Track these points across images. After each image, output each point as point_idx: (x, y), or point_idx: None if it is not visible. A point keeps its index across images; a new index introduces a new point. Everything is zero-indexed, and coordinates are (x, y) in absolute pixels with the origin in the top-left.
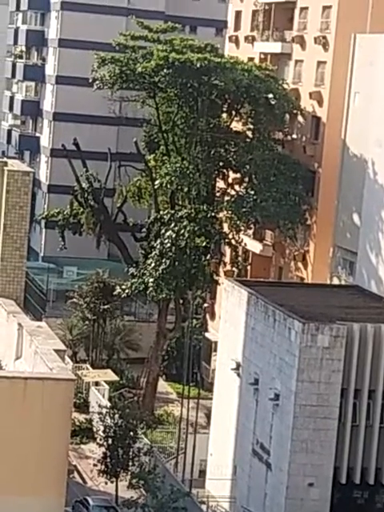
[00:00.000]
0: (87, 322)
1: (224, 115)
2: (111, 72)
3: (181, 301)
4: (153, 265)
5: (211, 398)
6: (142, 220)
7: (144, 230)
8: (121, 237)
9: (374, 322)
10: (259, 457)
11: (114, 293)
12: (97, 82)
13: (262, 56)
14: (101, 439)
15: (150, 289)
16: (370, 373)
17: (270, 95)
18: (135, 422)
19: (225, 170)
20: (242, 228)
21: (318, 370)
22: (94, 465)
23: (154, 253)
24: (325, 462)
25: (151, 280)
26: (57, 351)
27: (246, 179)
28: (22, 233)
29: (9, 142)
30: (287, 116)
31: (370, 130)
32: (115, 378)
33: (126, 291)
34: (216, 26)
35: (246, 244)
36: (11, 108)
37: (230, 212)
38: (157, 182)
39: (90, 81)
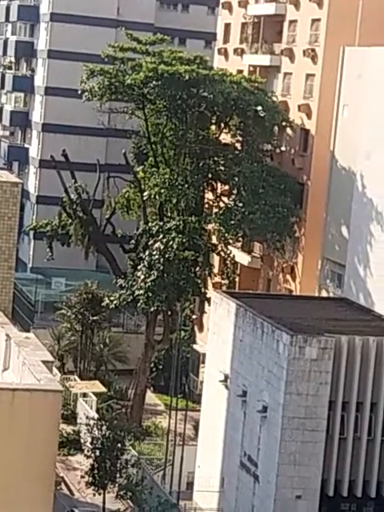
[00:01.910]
0: (75, 333)
1: (213, 127)
2: (100, 84)
3: (169, 312)
4: (142, 277)
5: (199, 410)
6: (131, 231)
7: (132, 241)
8: (109, 248)
9: (362, 335)
10: (247, 469)
11: (103, 304)
12: (86, 93)
13: (251, 68)
14: (88, 451)
15: (141, 301)
16: (358, 385)
17: (259, 107)
18: (123, 434)
19: (213, 182)
20: (231, 240)
21: (306, 382)
22: (82, 476)
23: (142, 264)
24: (312, 474)
25: (141, 292)
26: (45, 362)
27: (235, 191)
28: (10, 244)
29: None
30: (276, 128)
31: (358, 142)
32: (103, 389)
33: (115, 302)
34: (205, 39)
35: (234, 256)
36: (0, 119)
37: (218, 224)
38: (145, 194)
39: (79, 92)
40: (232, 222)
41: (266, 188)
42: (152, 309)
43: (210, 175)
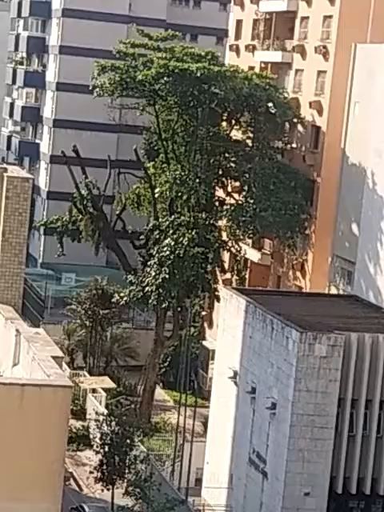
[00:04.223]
0: (85, 329)
1: (224, 123)
2: (111, 79)
3: (179, 309)
4: (153, 274)
5: (208, 406)
6: (141, 227)
7: (143, 237)
8: (119, 244)
9: (372, 332)
10: (255, 466)
11: (113, 300)
12: (97, 89)
13: (263, 65)
14: (97, 446)
15: (152, 298)
16: (367, 382)
17: (270, 104)
18: (132, 430)
19: (224, 179)
20: (241, 237)
21: (315, 379)
22: (91, 472)
23: (152, 261)
24: (321, 471)
25: (152, 289)
26: (54, 358)
27: (246, 188)
28: (20, 239)
29: (9, 148)
30: (287, 125)
31: (369, 139)
32: (112, 385)
33: (125, 298)
34: (217, 35)
35: (244, 252)
36: (11, 114)
37: (229, 220)
38: (156, 190)
39: (90, 88)
40: (243, 219)
41: (277, 185)
42: (164, 305)
43: (220, 172)
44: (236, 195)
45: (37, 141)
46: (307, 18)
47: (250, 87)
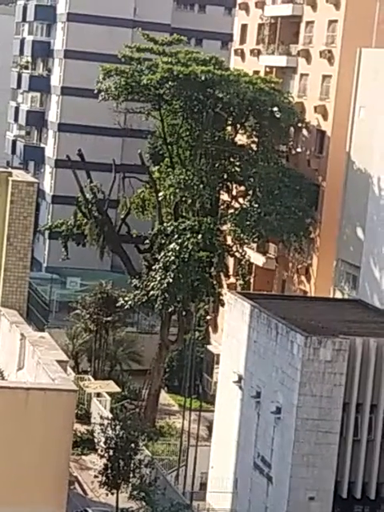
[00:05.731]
0: (90, 333)
1: (229, 128)
2: (116, 84)
3: (184, 313)
4: (158, 278)
5: (213, 411)
6: (146, 232)
7: (147, 241)
8: (124, 248)
9: (377, 336)
10: (260, 470)
11: (117, 304)
12: (102, 93)
13: (268, 69)
14: (102, 450)
15: (158, 303)
16: (372, 387)
17: (275, 108)
18: (137, 434)
19: (229, 183)
20: (246, 241)
21: (319, 383)
22: (95, 476)
23: (157, 265)
24: (326, 476)
25: (158, 293)
26: (59, 362)
27: (250, 192)
28: (25, 243)
29: (13, 152)
30: (292, 129)
31: (374, 144)
32: (117, 389)
33: (129, 303)
34: (222, 39)
35: (249, 256)
36: (16, 118)
37: (233, 225)
38: (161, 194)
39: (95, 92)
40: (247, 223)
41: (282, 189)
42: (170, 310)
43: (225, 176)
44: (241, 199)
45: (42, 145)
46: (312, 22)
47: (254, 91)
